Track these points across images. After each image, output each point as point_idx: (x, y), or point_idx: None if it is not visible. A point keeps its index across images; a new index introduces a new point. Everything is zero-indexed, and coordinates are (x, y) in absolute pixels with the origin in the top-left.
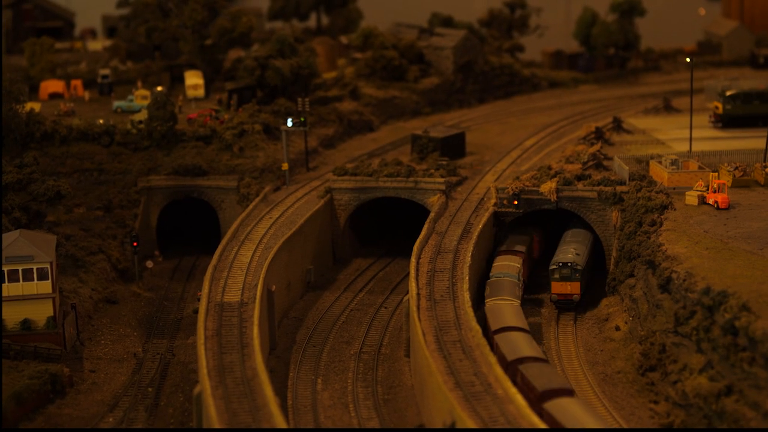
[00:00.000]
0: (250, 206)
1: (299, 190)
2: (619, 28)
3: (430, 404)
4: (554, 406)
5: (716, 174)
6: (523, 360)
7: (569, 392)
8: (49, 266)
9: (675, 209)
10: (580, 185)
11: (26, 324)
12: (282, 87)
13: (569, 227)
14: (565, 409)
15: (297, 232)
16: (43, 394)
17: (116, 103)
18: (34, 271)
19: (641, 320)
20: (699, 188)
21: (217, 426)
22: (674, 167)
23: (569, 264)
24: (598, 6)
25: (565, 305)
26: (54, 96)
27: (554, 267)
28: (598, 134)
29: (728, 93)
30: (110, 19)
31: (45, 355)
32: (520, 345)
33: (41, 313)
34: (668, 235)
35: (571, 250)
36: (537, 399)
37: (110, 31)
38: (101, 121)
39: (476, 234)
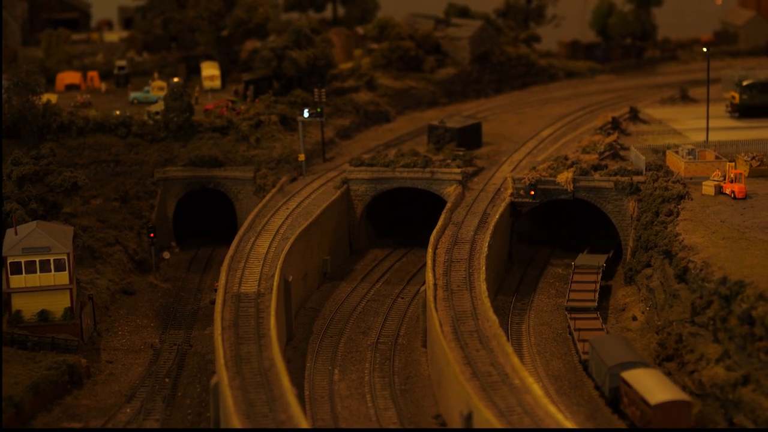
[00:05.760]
0: (267, 197)
1: (316, 181)
2: (636, 18)
3: (447, 394)
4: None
5: (733, 164)
6: None
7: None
8: (66, 257)
9: (692, 199)
10: (596, 175)
11: (43, 315)
12: (298, 78)
13: None
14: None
15: (313, 222)
16: (61, 385)
17: (133, 95)
18: (51, 262)
19: (658, 310)
20: (716, 178)
21: (234, 416)
22: (691, 157)
23: None
24: None
25: None
26: (70, 87)
27: None
28: (615, 124)
29: (745, 83)
30: (126, 10)
31: (62, 346)
32: None
33: (58, 304)
34: (685, 225)
35: None
36: None
37: (126, 23)
38: (118, 113)
39: (493, 224)
